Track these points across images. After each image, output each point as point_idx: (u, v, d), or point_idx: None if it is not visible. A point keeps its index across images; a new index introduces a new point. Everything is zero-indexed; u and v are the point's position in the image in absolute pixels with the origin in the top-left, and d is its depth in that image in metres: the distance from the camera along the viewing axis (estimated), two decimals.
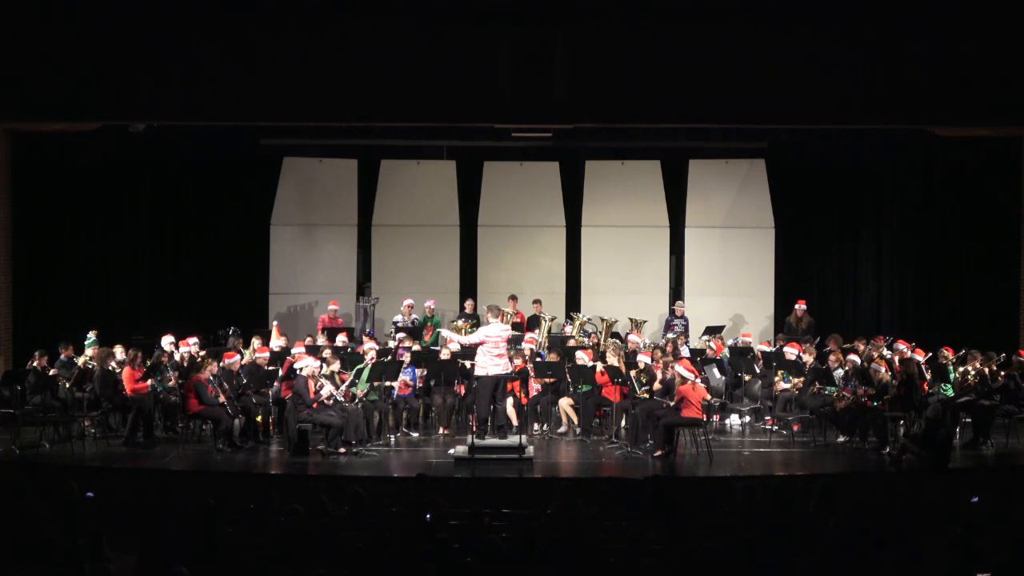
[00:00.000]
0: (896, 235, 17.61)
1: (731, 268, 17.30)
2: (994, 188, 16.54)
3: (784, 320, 16.27)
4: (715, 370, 13.82)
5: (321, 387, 12.19)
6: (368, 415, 12.52)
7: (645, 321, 15.94)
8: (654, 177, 17.49)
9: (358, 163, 17.64)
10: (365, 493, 9.08)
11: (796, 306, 16.04)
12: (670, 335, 15.04)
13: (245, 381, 12.86)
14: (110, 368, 12.81)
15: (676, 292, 17.46)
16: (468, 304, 16.02)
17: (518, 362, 12.99)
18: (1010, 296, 15.65)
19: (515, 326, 14.94)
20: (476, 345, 12.30)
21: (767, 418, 13.54)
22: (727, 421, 13.90)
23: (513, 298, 15.67)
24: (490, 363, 12.07)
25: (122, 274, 17.16)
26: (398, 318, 15.73)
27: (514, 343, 13.24)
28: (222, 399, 12.26)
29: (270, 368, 13.23)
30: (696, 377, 12.15)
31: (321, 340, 14.40)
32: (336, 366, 12.66)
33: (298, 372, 12.44)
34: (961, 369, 12.97)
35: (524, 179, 17.60)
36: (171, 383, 12.92)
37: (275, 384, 13.13)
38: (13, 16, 13.72)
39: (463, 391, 13.29)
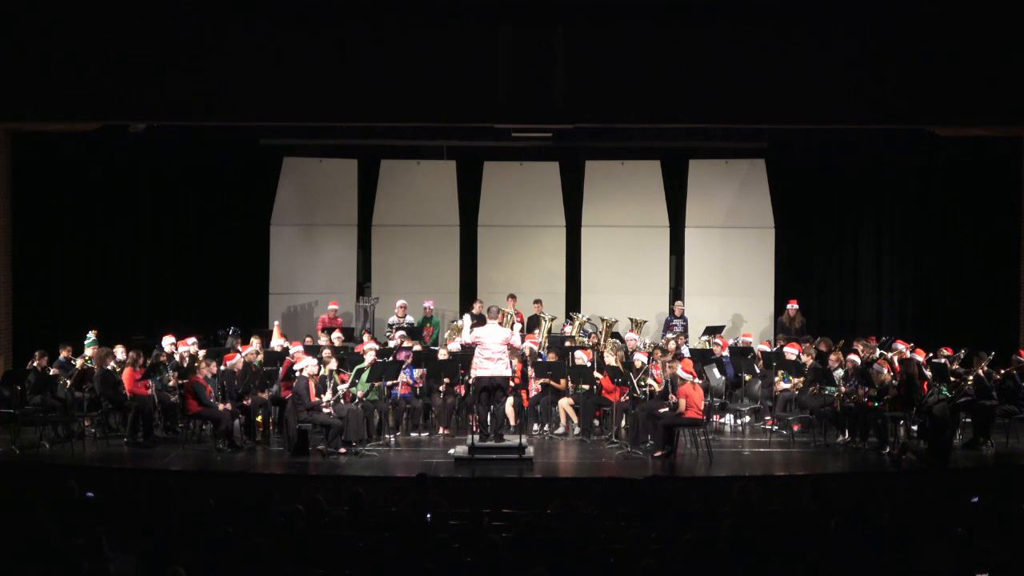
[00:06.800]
0: (896, 235, 17.61)
1: (731, 268, 17.29)
2: (994, 188, 16.56)
3: (778, 320, 16.29)
4: (715, 370, 13.82)
5: (321, 398, 12.22)
6: (368, 415, 12.53)
7: (645, 321, 15.94)
8: (654, 177, 17.49)
9: (358, 163, 17.64)
10: (365, 493, 9.09)
11: (788, 306, 16.04)
12: (670, 335, 15.04)
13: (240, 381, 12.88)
14: (110, 368, 12.82)
15: (676, 292, 17.46)
16: (476, 306, 15.94)
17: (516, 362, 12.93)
18: (1010, 296, 15.66)
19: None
20: (471, 345, 12.26)
21: (767, 418, 13.54)
22: (722, 421, 13.91)
23: (512, 297, 15.66)
24: (480, 365, 11.91)
25: (122, 274, 17.17)
26: (392, 319, 15.72)
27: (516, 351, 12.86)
28: (222, 407, 12.25)
29: (268, 368, 13.24)
30: (695, 379, 12.16)
31: (322, 340, 14.41)
32: (333, 364, 12.65)
33: (298, 373, 12.44)
34: (960, 369, 12.98)
35: (524, 179, 17.60)
36: (171, 383, 12.95)
37: (275, 384, 13.14)
38: (13, 16, 13.71)
39: (463, 391, 13.28)
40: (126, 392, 12.65)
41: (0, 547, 7.72)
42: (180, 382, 12.94)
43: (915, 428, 12.22)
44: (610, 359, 13.33)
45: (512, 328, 13.62)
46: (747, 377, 13.91)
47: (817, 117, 14.33)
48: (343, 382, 12.57)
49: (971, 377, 12.58)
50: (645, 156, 17.52)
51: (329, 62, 13.82)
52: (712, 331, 15.60)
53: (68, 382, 12.84)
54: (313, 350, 13.46)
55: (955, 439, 12.33)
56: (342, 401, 12.40)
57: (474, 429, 12.22)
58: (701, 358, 13.86)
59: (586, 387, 13.18)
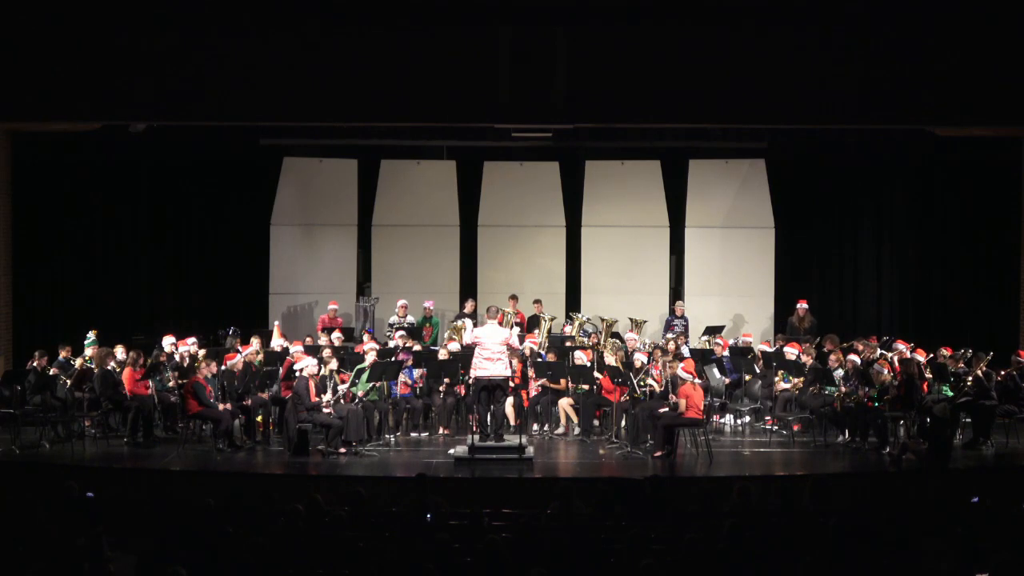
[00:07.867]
0: (896, 235, 17.61)
1: (731, 268, 17.29)
2: (994, 188, 16.56)
3: (786, 320, 16.27)
4: (715, 370, 13.82)
5: (322, 398, 12.23)
6: (368, 415, 12.52)
7: (645, 321, 15.94)
8: (654, 177, 17.48)
9: (358, 163, 17.64)
10: (365, 493, 9.08)
11: (798, 305, 16.03)
12: (670, 335, 15.04)
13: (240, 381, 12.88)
14: (110, 368, 12.82)
15: (676, 292, 17.45)
16: (468, 304, 16.02)
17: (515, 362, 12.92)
18: (1010, 296, 15.66)
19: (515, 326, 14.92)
20: (471, 345, 12.25)
21: (767, 418, 13.54)
22: (722, 421, 13.91)
23: (513, 298, 15.67)
24: (480, 365, 11.94)
25: (122, 274, 17.16)
26: (393, 319, 15.74)
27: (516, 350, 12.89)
28: (221, 407, 12.25)
29: (268, 368, 13.24)
30: (695, 379, 12.16)
31: (322, 340, 14.41)
32: (334, 364, 12.66)
33: (298, 373, 12.44)
34: (961, 369, 12.98)
35: (524, 179, 17.60)
36: (171, 383, 12.94)
37: (275, 384, 13.14)
38: (13, 16, 13.71)
39: (463, 391, 13.28)
40: (126, 392, 12.66)
41: (0, 547, 7.72)
42: (180, 382, 12.94)
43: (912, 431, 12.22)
44: (610, 359, 13.32)
45: (511, 329, 13.63)
46: (747, 377, 13.91)
47: (817, 117, 14.32)
48: (343, 382, 12.57)
49: (971, 377, 12.59)
50: (645, 156, 17.50)
51: (329, 62, 13.81)
52: (712, 331, 15.60)
53: (68, 382, 12.84)
54: (313, 350, 13.46)
55: (955, 439, 12.34)
56: (342, 401, 12.41)
57: (474, 429, 12.22)
58: (701, 358, 13.86)
59: (586, 387, 13.18)
